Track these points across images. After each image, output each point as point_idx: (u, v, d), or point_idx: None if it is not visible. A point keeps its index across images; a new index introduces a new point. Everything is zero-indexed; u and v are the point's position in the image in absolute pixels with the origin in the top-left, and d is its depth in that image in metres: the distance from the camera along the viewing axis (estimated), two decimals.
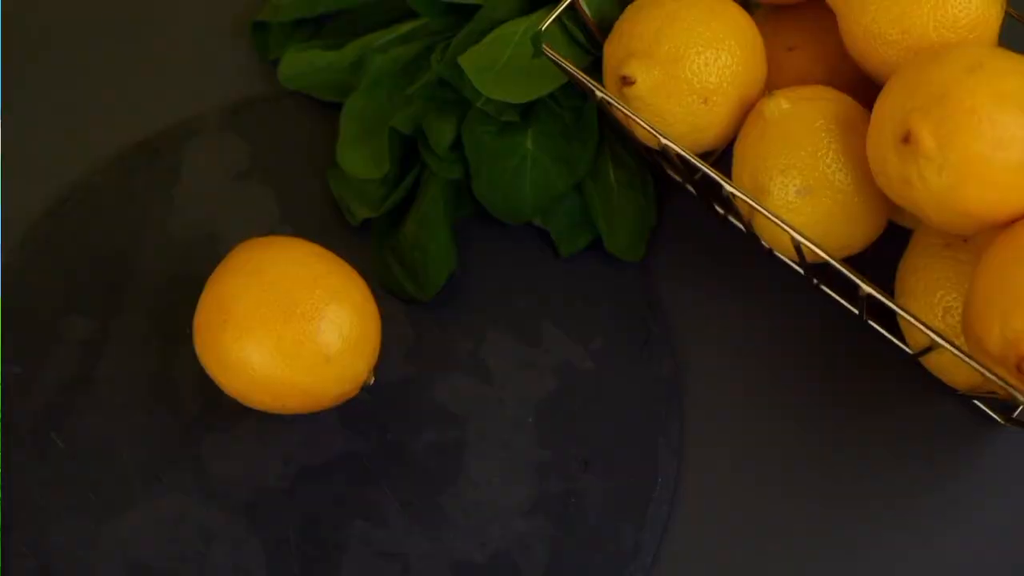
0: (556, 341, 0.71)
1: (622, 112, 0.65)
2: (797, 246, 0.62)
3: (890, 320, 0.68)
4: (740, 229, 0.72)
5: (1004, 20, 0.63)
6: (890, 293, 0.65)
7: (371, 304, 0.66)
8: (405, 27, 0.77)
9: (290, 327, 0.63)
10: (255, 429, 0.69)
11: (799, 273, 0.70)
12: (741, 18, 0.66)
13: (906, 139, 0.56)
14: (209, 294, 0.65)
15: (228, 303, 0.64)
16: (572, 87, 0.71)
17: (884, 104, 0.59)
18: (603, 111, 0.71)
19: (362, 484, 0.68)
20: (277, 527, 0.67)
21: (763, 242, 0.68)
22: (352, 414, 0.70)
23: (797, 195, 0.63)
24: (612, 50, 0.67)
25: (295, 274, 0.64)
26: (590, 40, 0.71)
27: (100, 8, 0.83)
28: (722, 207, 0.72)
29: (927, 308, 0.63)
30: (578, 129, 0.72)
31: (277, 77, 0.79)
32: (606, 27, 0.69)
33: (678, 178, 0.73)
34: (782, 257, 0.70)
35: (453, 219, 0.73)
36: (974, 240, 0.62)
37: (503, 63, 0.69)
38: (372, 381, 0.66)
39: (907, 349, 0.67)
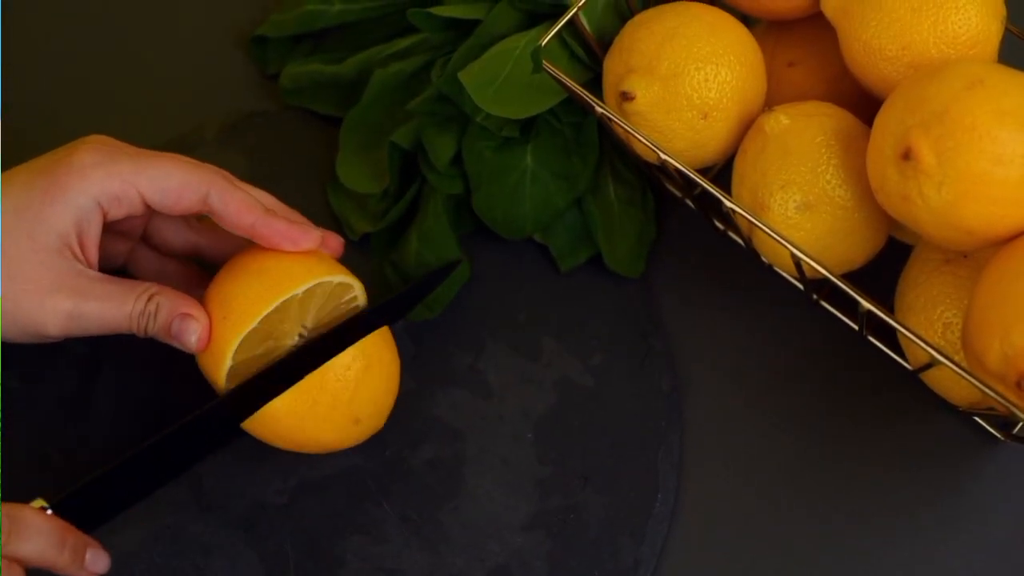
0: (556, 356, 0.71)
1: (622, 127, 0.65)
2: (797, 262, 0.62)
3: (890, 336, 0.68)
4: (740, 244, 0.72)
5: (1004, 36, 0.63)
6: (890, 309, 0.65)
7: (396, 358, 0.67)
8: (405, 42, 0.77)
9: (326, 393, 0.63)
10: (253, 444, 0.69)
11: (799, 288, 0.70)
12: (741, 34, 0.66)
13: (906, 155, 0.56)
14: (213, 296, 0.65)
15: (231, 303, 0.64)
16: (572, 103, 0.71)
17: (884, 120, 0.59)
18: (603, 126, 0.71)
19: (360, 499, 0.68)
20: (275, 542, 0.67)
21: (763, 258, 0.68)
22: None
23: (797, 211, 0.63)
24: (612, 66, 0.67)
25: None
26: (590, 56, 0.71)
27: (99, 21, 0.83)
28: (722, 222, 0.72)
29: (927, 324, 0.63)
30: (578, 145, 0.72)
31: (277, 91, 0.79)
32: (606, 43, 0.69)
33: (678, 193, 0.73)
34: (782, 273, 0.70)
35: (457, 234, 0.73)
36: (974, 256, 0.62)
37: (503, 78, 0.69)
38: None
39: (907, 365, 0.67)
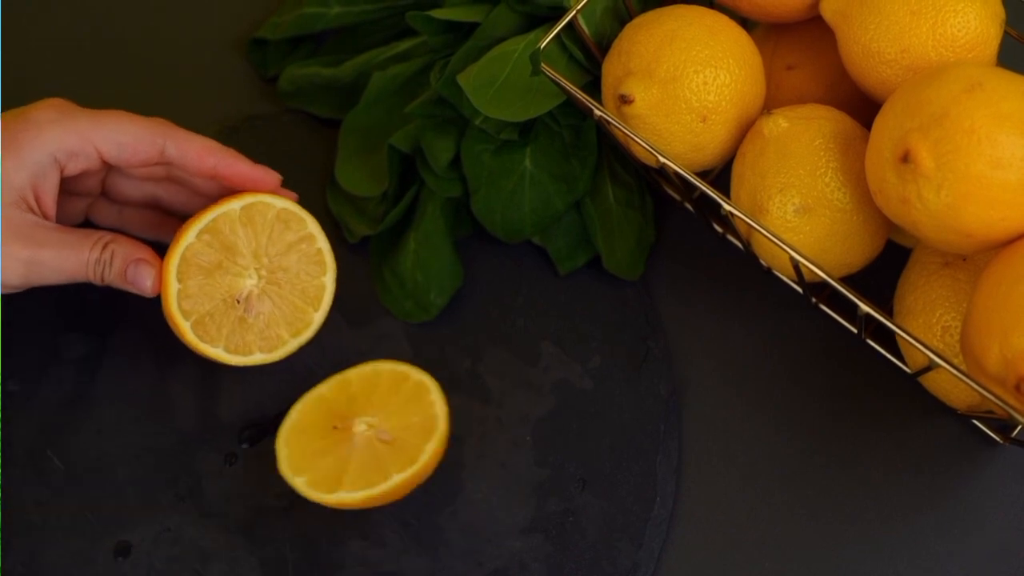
0: (554, 359, 0.71)
1: (620, 131, 0.65)
2: (796, 265, 0.62)
3: (889, 339, 0.68)
4: (739, 247, 0.72)
5: (1003, 39, 0.63)
6: (889, 312, 0.65)
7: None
8: (404, 45, 0.77)
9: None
10: (252, 449, 0.69)
11: (798, 292, 0.70)
12: (740, 37, 0.66)
13: (905, 158, 0.56)
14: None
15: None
16: (571, 106, 0.71)
17: (883, 123, 0.59)
18: (602, 129, 0.71)
19: None
20: (274, 547, 0.67)
21: (762, 261, 0.68)
22: None
23: (795, 214, 0.62)
24: (611, 69, 0.67)
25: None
26: (589, 59, 0.71)
27: (99, 25, 0.83)
28: (720, 225, 0.72)
29: (926, 327, 0.63)
30: (577, 148, 0.72)
31: (276, 94, 0.79)
32: (605, 46, 0.69)
33: (677, 196, 0.73)
34: (781, 276, 0.70)
35: (454, 238, 0.73)
36: (973, 259, 0.62)
37: (501, 81, 0.69)
38: None
39: (906, 368, 0.67)
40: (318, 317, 0.68)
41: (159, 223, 0.71)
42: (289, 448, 0.65)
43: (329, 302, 0.69)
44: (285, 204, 0.67)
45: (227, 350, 0.66)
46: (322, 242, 0.68)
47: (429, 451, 0.64)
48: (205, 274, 0.66)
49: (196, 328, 0.66)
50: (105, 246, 0.65)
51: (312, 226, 0.68)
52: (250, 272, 0.67)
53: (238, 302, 0.66)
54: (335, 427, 0.65)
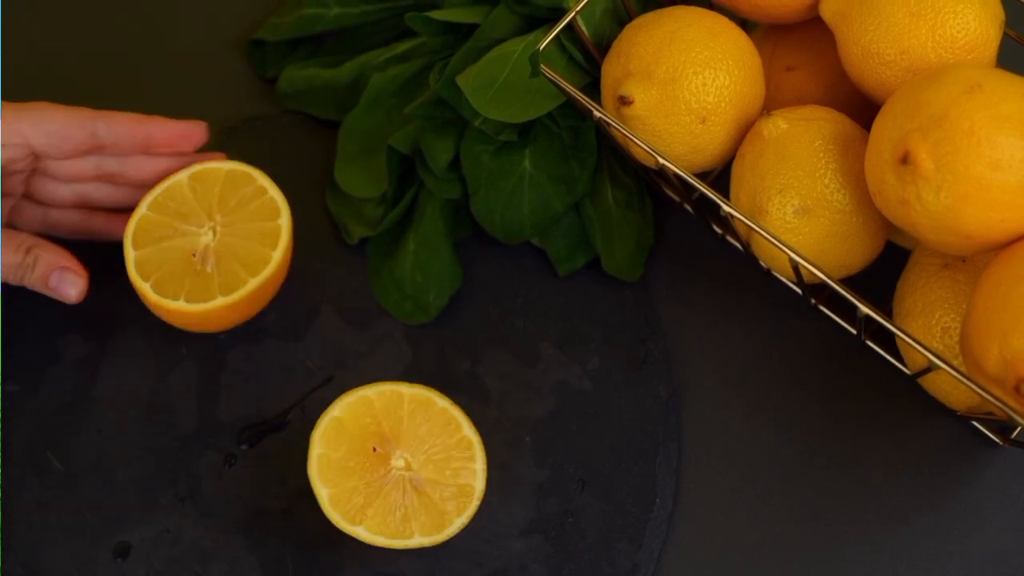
0: (554, 361, 0.71)
1: (620, 132, 0.65)
2: (795, 266, 0.62)
3: (889, 340, 0.68)
4: (738, 249, 0.72)
5: (1002, 41, 0.63)
6: (888, 313, 0.65)
7: None
8: (403, 46, 0.77)
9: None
10: (252, 450, 0.69)
11: (798, 293, 0.70)
12: (739, 38, 0.66)
13: (904, 160, 0.56)
14: None
15: None
16: (570, 107, 0.71)
17: (882, 125, 0.59)
18: (601, 131, 0.71)
19: None
20: (274, 547, 0.67)
21: (761, 262, 0.68)
22: None
23: (795, 215, 0.62)
24: (610, 70, 0.67)
25: None
26: (588, 60, 0.71)
27: (98, 25, 0.83)
28: (720, 227, 0.72)
29: (925, 329, 0.63)
30: (576, 149, 0.72)
31: (275, 95, 0.79)
32: (604, 47, 0.69)
33: (676, 198, 0.73)
34: (780, 277, 0.70)
35: (453, 239, 0.73)
36: (972, 260, 0.62)
37: (501, 83, 0.69)
38: None
39: (906, 370, 0.67)
40: (276, 255, 0.68)
41: (87, 220, 0.71)
42: (324, 447, 0.64)
43: (287, 241, 0.69)
44: (233, 166, 0.69)
45: (188, 300, 0.67)
46: (274, 192, 0.69)
47: (457, 525, 0.64)
48: (160, 239, 0.67)
49: (156, 288, 0.67)
50: (28, 251, 0.66)
51: (262, 179, 0.69)
52: (205, 230, 0.68)
53: (194, 256, 0.67)
54: (374, 448, 0.64)
